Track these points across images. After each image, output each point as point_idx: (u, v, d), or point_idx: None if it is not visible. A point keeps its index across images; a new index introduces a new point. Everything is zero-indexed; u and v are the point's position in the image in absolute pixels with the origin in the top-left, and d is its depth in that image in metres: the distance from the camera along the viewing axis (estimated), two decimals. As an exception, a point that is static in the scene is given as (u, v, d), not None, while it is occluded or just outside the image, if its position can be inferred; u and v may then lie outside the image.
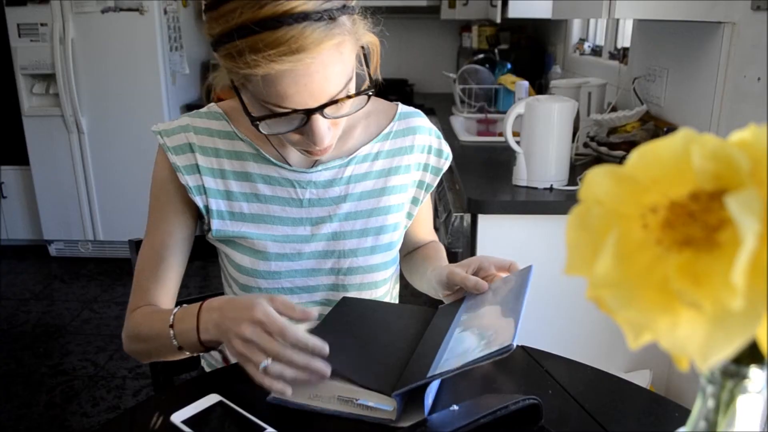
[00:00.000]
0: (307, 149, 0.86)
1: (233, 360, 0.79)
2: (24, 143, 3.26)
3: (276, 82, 0.75)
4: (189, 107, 3.42)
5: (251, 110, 0.81)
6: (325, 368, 0.71)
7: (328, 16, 0.74)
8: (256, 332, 0.71)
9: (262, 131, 0.82)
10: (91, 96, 3.16)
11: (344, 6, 0.78)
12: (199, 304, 0.82)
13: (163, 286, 0.94)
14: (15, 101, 3.21)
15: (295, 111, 0.78)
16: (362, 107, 0.87)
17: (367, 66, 0.87)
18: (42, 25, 3.06)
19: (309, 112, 0.79)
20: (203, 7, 0.79)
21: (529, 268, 0.87)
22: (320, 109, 0.78)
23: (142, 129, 3.19)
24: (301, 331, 0.72)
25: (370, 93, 0.84)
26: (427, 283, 1.01)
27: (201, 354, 1.13)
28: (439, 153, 1.06)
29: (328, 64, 0.76)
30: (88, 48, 3.09)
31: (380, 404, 0.73)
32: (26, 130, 3.24)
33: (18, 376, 2.38)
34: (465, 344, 0.76)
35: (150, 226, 0.97)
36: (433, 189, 1.08)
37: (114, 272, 3.32)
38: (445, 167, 1.07)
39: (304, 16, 0.72)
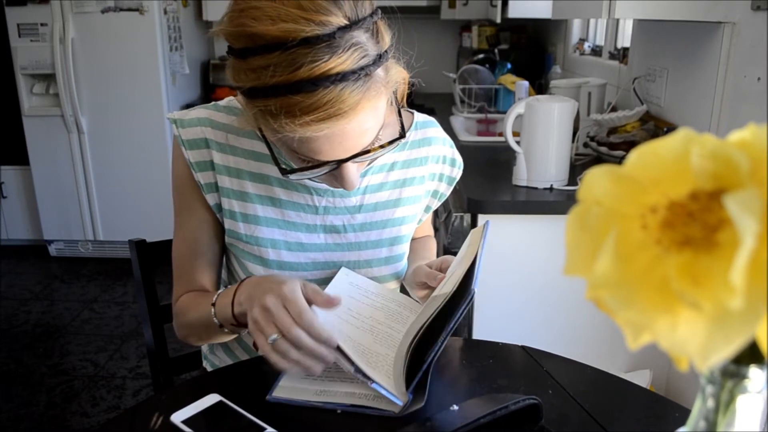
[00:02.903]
0: (333, 186, 0.86)
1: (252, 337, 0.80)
2: (24, 143, 3.26)
3: (310, 140, 0.74)
4: (189, 107, 3.41)
5: (279, 155, 0.82)
6: (329, 355, 0.72)
7: (365, 74, 0.71)
8: (276, 305, 0.72)
9: (292, 178, 0.82)
10: (91, 96, 3.16)
11: (379, 57, 0.74)
12: (241, 280, 0.84)
13: (205, 272, 0.96)
14: (15, 101, 3.21)
15: (326, 163, 0.78)
16: (393, 149, 0.86)
17: (399, 112, 0.85)
18: (42, 25, 3.06)
19: (340, 162, 0.78)
20: (227, 50, 0.75)
21: (483, 226, 0.87)
22: (352, 158, 0.78)
23: (142, 129, 3.19)
24: (317, 320, 0.73)
25: (401, 141, 0.83)
26: (407, 283, 1.02)
27: (203, 354, 1.13)
28: (453, 162, 1.06)
29: (364, 122, 0.74)
30: (88, 48, 3.09)
31: (393, 396, 0.73)
32: (26, 130, 3.24)
33: (18, 376, 2.38)
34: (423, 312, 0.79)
35: (179, 221, 0.96)
36: (446, 197, 1.08)
37: (114, 272, 3.32)
38: (458, 176, 1.07)
39: (342, 77, 0.69)
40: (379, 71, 0.74)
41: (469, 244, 0.88)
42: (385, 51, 0.76)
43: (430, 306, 0.79)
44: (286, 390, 0.77)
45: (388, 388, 0.73)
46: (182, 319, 0.94)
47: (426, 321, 0.74)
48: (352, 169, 0.80)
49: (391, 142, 0.81)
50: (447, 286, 0.77)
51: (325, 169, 0.80)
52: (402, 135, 0.82)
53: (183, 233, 0.96)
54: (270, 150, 0.82)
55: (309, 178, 0.85)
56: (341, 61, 0.69)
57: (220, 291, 0.87)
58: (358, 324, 0.84)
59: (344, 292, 0.89)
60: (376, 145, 0.79)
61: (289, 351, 0.71)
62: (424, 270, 0.92)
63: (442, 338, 0.73)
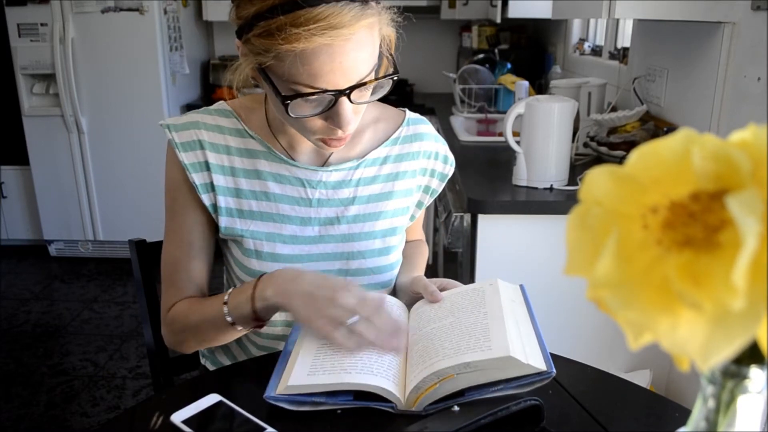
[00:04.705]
0: (327, 137, 0.87)
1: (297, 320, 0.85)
2: (24, 143, 3.26)
3: (313, 58, 0.77)
4: (189, 107, 3.41)
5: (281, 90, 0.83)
6: (401, 345, 0.79)
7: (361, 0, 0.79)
8: (342, 293, 0.79)
9: (290, 113, 0.83)
10: (91, 96, 3.16)
11: None
12: (255, 279, 0.87)
13: (200, 273, 0.97)
14: (15, 101, 3.21)
15: (326, 91, 0.80)
16: (385, 91, 0.88)
17: (390, 53, 0.89)
18: (42, 25, 3.06)
19: (338, 95, 0.81)
20: None
21: (520, 288, 0.91)
22: (349, 91, 0.81)
23: (142, 129, 3.19)
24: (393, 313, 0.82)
25: (395, 77, 0.87)
26: (400, 289, 1.02)
27: (203, 354, 1.14)
28: (445, 159, 1.08)
29: (362, 43, 0.79)
30: (88, 48, 3.09)
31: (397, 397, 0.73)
32: (26, 130, 3.23)
33: (18, 376, 2.38)
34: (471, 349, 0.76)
35: (171, 225, 0.98)
36: (438, 194, 1.10)
37: (114, 272, 3.32)
38: (450, 173, 1.09)
39: None
40: (374, 4, 0.81)
41: (487, 299, 0.86)
42: None
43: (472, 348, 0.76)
44: (293, 387, 0.74)
45: (395, 391, 0.73)
46: (180, 324, 0.94)
47: (495, 380, 0.73)
48: (348, 106, 0.83)
49: (385, 76, 0.85)
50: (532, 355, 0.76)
51: (322, 104, 0.82)
52: (395, 72, 0.88)
53: (177, 237, 0.97)
54: (273, 86, 0.82)
55: (305, 117, 0.84)
56: None
57: (230, 290, 0.88)
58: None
59: None
60: (372, 78, 0.83)
61: (368, 330, 0.77)
62: (422, 282, 0.95)
63: (495, 389, 0.73)
